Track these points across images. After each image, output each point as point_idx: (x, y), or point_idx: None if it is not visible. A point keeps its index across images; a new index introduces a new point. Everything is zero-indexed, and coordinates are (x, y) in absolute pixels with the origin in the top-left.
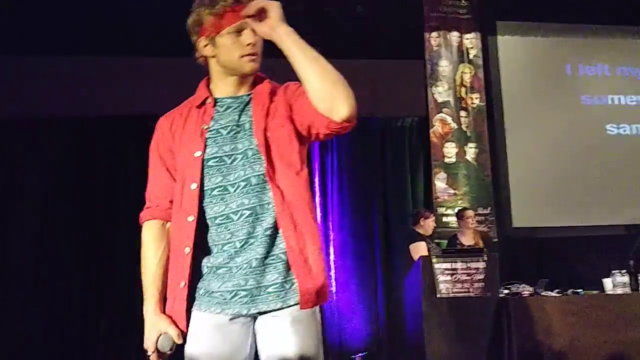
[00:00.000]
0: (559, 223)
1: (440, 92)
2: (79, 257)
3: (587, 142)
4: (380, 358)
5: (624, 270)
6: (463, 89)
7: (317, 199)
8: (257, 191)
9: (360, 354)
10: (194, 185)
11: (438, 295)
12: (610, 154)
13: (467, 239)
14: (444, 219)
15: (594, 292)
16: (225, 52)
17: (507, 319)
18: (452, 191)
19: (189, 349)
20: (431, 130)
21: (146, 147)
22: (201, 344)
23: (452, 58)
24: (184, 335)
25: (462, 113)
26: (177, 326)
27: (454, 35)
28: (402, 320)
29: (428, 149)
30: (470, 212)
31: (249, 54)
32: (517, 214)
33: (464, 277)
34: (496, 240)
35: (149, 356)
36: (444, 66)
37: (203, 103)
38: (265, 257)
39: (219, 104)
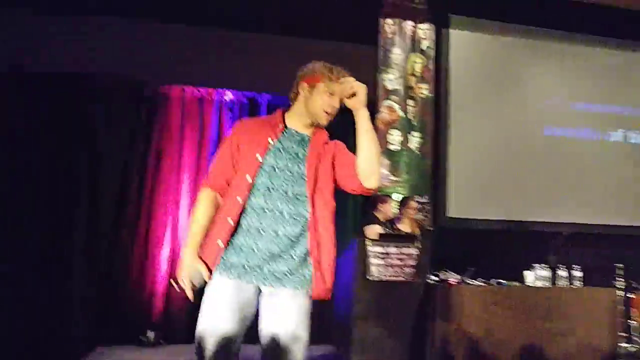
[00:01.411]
0: (490, 216)
1: (391, 80)
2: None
3: (524, 141)
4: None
5: (545, 265)
6: (413, 79)
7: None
8: (293, 201)
9: None
10: (249, 179)
11: (369, 278)
12: (545, 154)
13: (404, 226)
14: None
15: (516, 283)
16: (316, 101)
17: (432, 304)
18: (393, 178)
19: (207, 300)
20: (377, 117)
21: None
22: (220, 295)
23: (405, 47)
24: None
25: (410, 102)
26: (208, 269)
27: (409, 24)
28: (331, 299)
29: None
30: (414, 203)
31: (328, 113)
32: (452, 204)
33: (396, 262)
34: (431, 228)
35: (178, 284)
36: (397, 54)
37: (276, 125)
38: (284, 251)
39: (287, 131)
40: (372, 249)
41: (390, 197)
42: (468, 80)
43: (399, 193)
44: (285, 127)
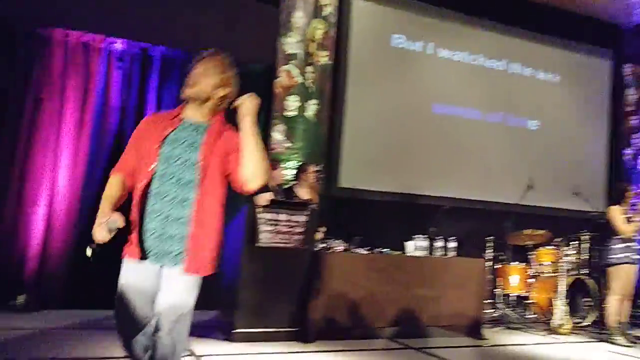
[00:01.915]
0: (379, 187)
1: (291, 44)
2: None
3: (415, 117)
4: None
5: (425, 236)
6: (313, 45)
7: None
8: (184, 186)
9: None
10: (150, 167)
11: (258, 244)
12: (433, 131)
13: (303, 193)
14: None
15: (397, 252)
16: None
17: (317, 271)
18: (289, 144)
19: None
20: (276, 81)
21: None
22: (129, 278)
23: (307, 11)
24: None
25: (309, 68)
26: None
27: None
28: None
29: (271, 99)
30: (312, 168)
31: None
32: (343, 174)
33: (285, 229)
34: (322, 196)
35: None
36: (299, 18)
37: (174, 117)
38: (173, 233)
39: (184, 122)
40: (262, 215)
41: (280, 162)
42: (367, 51)
43: (294, 160)
44: (183, 118)
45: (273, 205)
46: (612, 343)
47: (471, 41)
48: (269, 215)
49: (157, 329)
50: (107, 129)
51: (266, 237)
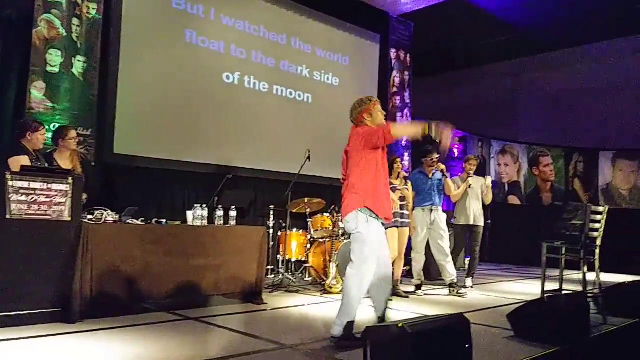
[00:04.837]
0: (159, 155)
1: None
2: None
3: (201, 84)
4: None
5: (205, 205)
6: None
7: None
8: None
9: None
10: None
11: (8, 217)
12: (221, 100)
13: (64, 161)
14: None
15: (177, 222)
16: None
17: (85, 244)
18: (50, 104)
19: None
20: (34, 31)
21: None
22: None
23: None
24: None
25: (75, 21)
26: None
27: None
28: None
29: (28, 50)
30: (74, 132)
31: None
32: (118, 140)
33: (43, 199)
34: (93, 164)
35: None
36: None
37: None
38: None
39: None
40: (14, 183)
41: (43, 125)
42: (144, 9)
43: (58, 122)
44: None
45: (26, 172)
46: None
47: (252, 11)
48: (21, 184)
49: None
50: None
51: (19, 208)
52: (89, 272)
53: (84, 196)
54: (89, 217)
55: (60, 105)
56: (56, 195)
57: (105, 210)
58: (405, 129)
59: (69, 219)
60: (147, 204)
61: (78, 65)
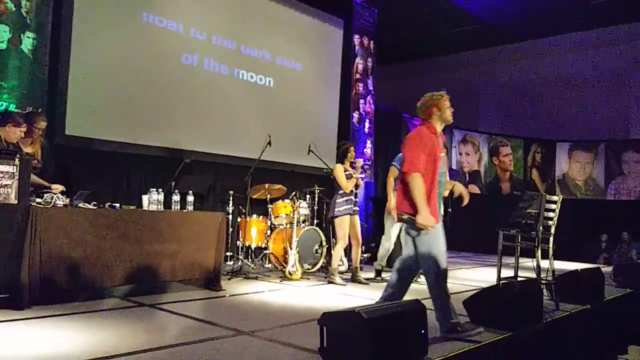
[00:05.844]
0: (112, 137)
1: None
2: None
3: (159, 65)
4: None
5: (161, 190)
6: None
7: None
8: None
9: None
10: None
11: None
12: (179, 82)
13: (27, 147)
14: None
15: (132, 207)
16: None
17: (33, 229)
18: None
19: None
20: None
21: None
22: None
23: None
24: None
25: None
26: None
27: None
28: None
29: None
30: (44, 124)
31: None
32: (70, 121)
33: None
34: (45, 145)
35: None
36: None
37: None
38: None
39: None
40: None
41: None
42: None
43: (5, 101)
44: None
45: None
46: (332, 283)
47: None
48: None
49: None
50: None
51: None
52: (38, 258)
53: (60, 188)
54: (38, 200)
55: (8, 84)
56: (2, 177)
57: (55, 194)
58: (420, 199)
59: (16, 202)
60: (101, 188)
61: (27, 41)
